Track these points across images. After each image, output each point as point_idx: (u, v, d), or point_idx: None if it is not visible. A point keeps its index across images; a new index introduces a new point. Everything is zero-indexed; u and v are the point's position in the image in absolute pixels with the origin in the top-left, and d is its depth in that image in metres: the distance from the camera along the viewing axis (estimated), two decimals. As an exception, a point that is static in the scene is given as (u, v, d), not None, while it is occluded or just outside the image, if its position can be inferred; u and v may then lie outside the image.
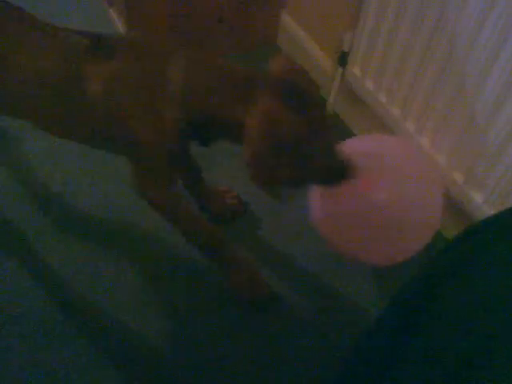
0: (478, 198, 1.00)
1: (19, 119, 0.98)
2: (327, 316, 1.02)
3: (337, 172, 0.82)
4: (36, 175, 1.22)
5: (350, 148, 0.91)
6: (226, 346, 0.97)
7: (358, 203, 0.88)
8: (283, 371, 0.95)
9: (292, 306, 1.03)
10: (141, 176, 0.91)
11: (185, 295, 1.04)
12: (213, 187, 1.14)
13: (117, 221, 1.15)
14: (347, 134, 1.37)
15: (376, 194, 0.88)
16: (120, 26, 1.51)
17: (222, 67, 0.81)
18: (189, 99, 0.80)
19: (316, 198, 0.95)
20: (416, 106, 1.08)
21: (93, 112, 0.83)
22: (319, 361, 0.96)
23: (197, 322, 1.00)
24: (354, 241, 0.92)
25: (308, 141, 0.76)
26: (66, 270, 1.05)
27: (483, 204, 0.99)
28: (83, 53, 0.82)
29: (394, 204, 0.87)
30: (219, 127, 0.81)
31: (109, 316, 0.99)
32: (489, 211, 0.97)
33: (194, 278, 1.06)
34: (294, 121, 0.74)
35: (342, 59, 1.26)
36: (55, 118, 0.90)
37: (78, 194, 1.18)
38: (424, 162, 0.95)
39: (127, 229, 1.14)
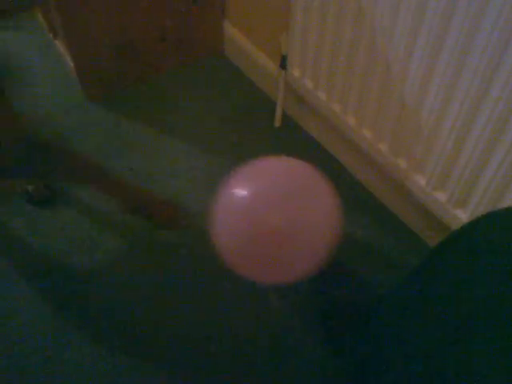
0: (421, 180, 1.02)
1: None
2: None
3: None
4: None
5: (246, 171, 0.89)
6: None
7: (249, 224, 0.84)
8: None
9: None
10: None
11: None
12: None
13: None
14: (300, 134, 1.39)
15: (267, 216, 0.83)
16: (68, 59, 1.53)
17: None
18: None
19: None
20: (353, 100, 1.10)
21: None
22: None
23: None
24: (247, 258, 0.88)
25: None
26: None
27: (427, 186, 1.00)
28: None
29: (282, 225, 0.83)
30: None
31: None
32: (431, 191, 0.99)
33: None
34: None
35: (282, 62, 1.28)
36: None
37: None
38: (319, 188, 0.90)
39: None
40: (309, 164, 0.92)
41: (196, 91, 1.54)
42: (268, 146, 1.37)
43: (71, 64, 1.49)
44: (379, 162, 1.11)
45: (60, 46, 1.61)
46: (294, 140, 1.38)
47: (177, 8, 1.46)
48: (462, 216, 0.96)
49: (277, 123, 1.41)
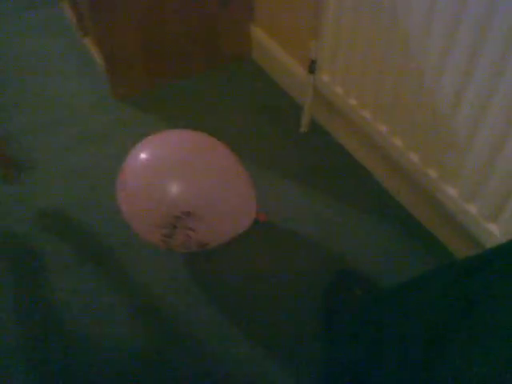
0: (452, 191, 0.99)
1: None
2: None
3: None
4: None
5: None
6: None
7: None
8: None
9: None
10: None
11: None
12: None
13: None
14: (327, 140, 1.38)
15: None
16: (97, 58, 1.55)
17: None
18: None
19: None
20: (384, 107, 1.08)
21: None
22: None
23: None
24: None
25: None
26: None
27: (458, 198, 0.98)
28: None
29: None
30: None
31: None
32: (462, 203, 0.97)
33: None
34: None
35: (311, 67, 1.27)
36: None
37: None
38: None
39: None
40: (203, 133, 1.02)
41: (222, 94, 1.53)
42: (294, 150, 1.36)
43: (100, 62, 1.50)
44: (409, 171, 1.09)
45: (89, 44, 1.62)
46: (320, 145, 1.37)
47: (206, 10, 1.46)
48: (495, 231, 0.93)
49: (304, 128, 1.40)
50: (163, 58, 1.50)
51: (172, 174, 0.92)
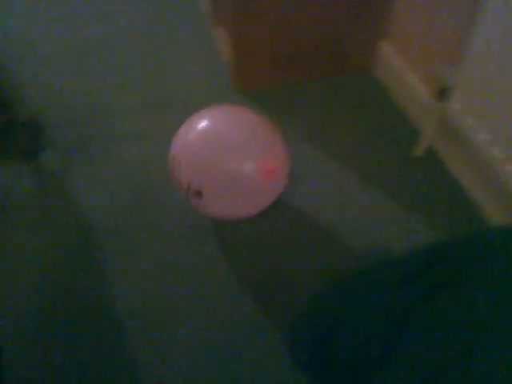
0: None
1: None
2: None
3: None
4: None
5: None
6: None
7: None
8: None
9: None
10: None
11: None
12: None
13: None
14: (440, 169, 1.33)
15: None
16: (226, 50, 1.59)
17: None
18: None
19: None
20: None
21: None
22: None
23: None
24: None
25: None
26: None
27: None
28: None
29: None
30: None
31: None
32: None
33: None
34: None
35: (443, 93, 1.23)
36: None
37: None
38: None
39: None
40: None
41: (339, 102, 1.53)
42: (402, 173, 1.32)
43: (228, 54, 1.55)
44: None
45: (219, 34, 1.67)
46: (431, 174, 1.33)
47: (338, 20, 1.46)
48: None
49: (418, 153, 1.36)
50: (288, 59, 1.52)
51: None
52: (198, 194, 1.02)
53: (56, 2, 1.99)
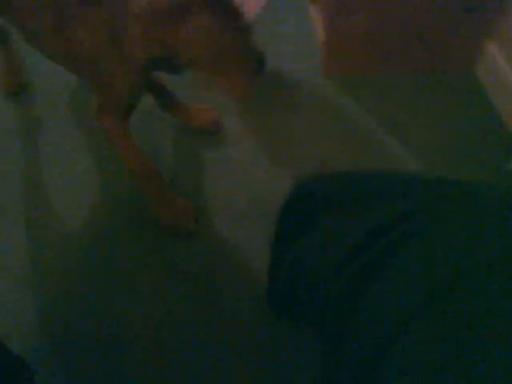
0: None
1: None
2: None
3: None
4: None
5: None
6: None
7: None
8: None
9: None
10: (103, 106, 1.04)
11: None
12: (191, 105, 1.32)
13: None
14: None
15: None
16: (317, 28, 1.54)
17: None
18: (148, 34, 0.89)
19: None
20: None
21: (77, 48, 0.97)
22: None
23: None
24: None
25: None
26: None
27: None
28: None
29: None
30: (174, 55, 0.90)
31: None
32: None
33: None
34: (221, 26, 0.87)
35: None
36: (52, 48, 1.04)
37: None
38: None
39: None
40: None
41: (430, 100, 1.44)
42: (493, 179, 1.24)
43: (319, 35, 1.50)
44: None
45: (314, 13, 1.62)
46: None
47: (446, 12, 1.36)
48: None
49: None
50: (384, 48, 1.44)
51: None
52: None
53: None
